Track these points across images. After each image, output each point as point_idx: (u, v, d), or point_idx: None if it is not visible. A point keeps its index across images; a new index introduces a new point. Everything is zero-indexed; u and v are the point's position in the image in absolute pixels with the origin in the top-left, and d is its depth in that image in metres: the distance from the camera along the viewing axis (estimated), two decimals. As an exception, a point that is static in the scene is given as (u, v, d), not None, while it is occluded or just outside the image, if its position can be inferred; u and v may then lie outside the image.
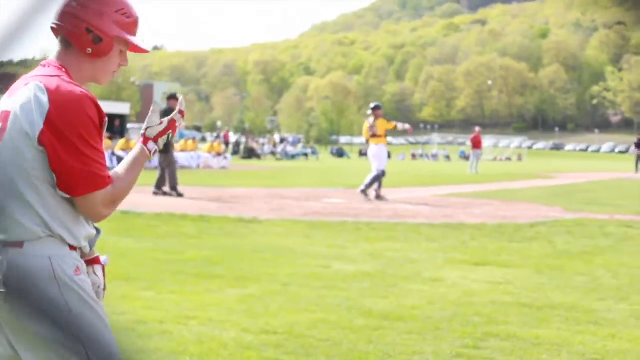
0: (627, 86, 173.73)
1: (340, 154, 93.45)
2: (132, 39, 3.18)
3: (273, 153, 69.70)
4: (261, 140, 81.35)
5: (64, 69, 3.07)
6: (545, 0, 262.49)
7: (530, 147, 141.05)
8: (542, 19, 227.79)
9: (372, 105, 21.36)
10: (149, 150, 3.23)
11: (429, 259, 10.88)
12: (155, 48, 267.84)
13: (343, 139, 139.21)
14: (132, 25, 3.18)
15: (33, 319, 2.94)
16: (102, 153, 3.03)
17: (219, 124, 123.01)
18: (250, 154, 63.09)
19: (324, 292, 8.48)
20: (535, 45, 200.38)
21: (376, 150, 20.68)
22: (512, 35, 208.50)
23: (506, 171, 47.11)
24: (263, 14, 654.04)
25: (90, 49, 3.09)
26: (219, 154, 44.12)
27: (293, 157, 70.46)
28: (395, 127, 20.96)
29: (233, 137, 78.02)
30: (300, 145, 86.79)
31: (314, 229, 14.00)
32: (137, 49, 3.24)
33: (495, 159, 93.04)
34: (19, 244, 2.96)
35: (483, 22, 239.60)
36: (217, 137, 65.26)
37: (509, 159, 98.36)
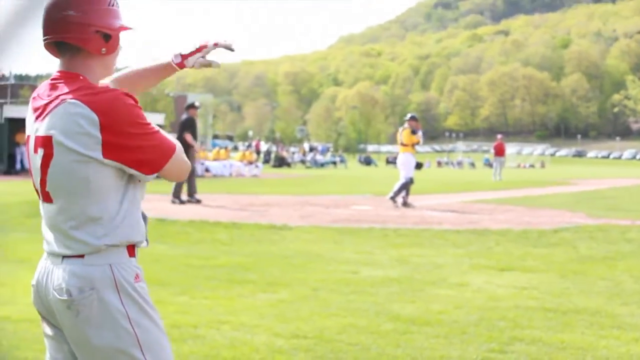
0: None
1: (367, 162, 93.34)
2: (129, 25, 3.18)
3: (303, 161, 69.81)
4: (291, 149, 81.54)
5: (81, 77, 3.04)
6: (566, 11, 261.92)
7: (552, 155, 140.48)
8: (564, 29, 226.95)
9: (408, 115, 21.49)
10: (174, 61, 3.43)
11: (455, 265, 10.82)
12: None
13: (370, 147, 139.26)
14: (120, 12, 3.16)
15: (93, 326, 2.95)
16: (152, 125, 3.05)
17: (251, 133, 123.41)
18: (281, 162, 63.23)
19: (352, 297, 8.45)
20: (557, 54, 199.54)
21: (404, 158, 20.68)
22: (535, 45, 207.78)
23: (529, 178, 46.87)
24: (292, 27, 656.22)
25: (104, 49, 3.07)
26: (250, 163, 44.22)
27: (322, 165, 70.47)
28: (419, 142, 20.84)
29: (264, 146, 78.22)
30: (329, 154, 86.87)
31: (343, 235, 13.97)
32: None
33: (518, 166, 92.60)
34: (80, 255, 2.97)
35: (506, 33, 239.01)
36: (249, 146, 65.45)
37: (532, 166, 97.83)
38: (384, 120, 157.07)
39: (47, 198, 3.03)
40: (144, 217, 3.18)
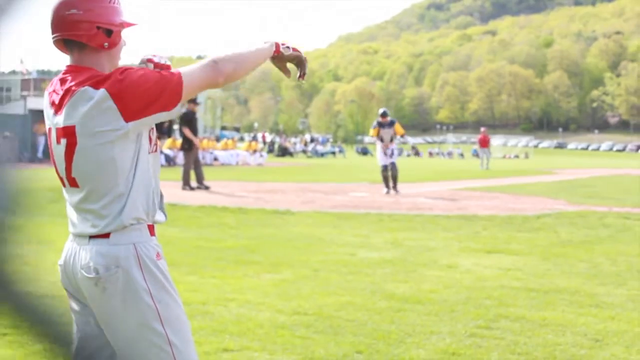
0: (624, 90, 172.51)
1: (364, 152, 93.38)
2: (129, 20, 3.18)
3: (304, 151, 69.76)
4: (293, 140, 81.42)
5: (89, 69, 3.06)
6: (549, 12, 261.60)
7: (536, 146, 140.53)
8: (547, 29, 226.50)
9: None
10: (276, 45, 3.35)
11: (445, 247, 10.82)
12: (199, 57, 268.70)
13: (367, 139, 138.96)
14: (120, 9, 3.17)
15: (118, 301, 2.97)
16: (152, 71, 3.04)
17: (256, 125, 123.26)
18: (284, 152, 63.27)
19: (350, 277, 8.45)
20: (540, 53, 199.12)
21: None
22: (520, 44, 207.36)
23: (514, 168, 46.83)
24: (295, 26, 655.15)
25: (106, 43, 3.08)
26: (255, 152, 44.20)
27: (322, 155, 70.42)
28: (374, 135, 20.80)
29: (268, 137, 78.12)
30: (328, 144, 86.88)
31: (341, 220, 13.97)
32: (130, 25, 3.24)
33: (504, 157, 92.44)
34: (106, 235, 2.99)
35: (493, 33, 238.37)
36: (254, 137, 65.38)
37: (516, 156, 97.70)
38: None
39: (73, 183, 3.03)
40: (161, 195, 3.20)
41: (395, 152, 20.88)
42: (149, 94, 2.94)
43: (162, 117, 3.01)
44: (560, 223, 13.87)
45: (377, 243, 11.16)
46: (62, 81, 3.06)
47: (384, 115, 20.94)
